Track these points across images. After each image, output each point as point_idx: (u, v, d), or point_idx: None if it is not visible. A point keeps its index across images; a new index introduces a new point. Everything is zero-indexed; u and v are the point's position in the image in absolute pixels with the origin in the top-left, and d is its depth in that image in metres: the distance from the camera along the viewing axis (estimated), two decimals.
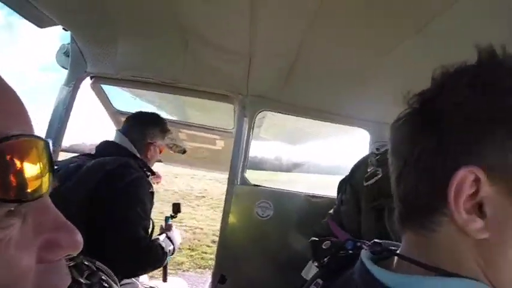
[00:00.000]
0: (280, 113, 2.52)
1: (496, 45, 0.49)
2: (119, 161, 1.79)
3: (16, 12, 1.89)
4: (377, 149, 1.74)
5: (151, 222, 1.89)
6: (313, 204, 2.29)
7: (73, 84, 2.43)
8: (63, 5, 1.86)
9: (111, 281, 0.69)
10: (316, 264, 1.56)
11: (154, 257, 1.81)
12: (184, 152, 2.80)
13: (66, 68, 2.47)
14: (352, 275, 0.58)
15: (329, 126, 2.83)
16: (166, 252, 1.89)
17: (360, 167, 1.78)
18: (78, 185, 1.67)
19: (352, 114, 2.44)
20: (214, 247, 5.90)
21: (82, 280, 0.61)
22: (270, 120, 2.98)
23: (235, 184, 2.34)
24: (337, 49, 1.68)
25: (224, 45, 1.89)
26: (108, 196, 1.68)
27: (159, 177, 2.83)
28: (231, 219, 2.33)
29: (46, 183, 0.34)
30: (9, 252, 0.31)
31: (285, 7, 1.37)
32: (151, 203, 1.88)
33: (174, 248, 2.01)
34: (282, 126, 3.53)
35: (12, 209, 0.32)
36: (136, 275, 1.97)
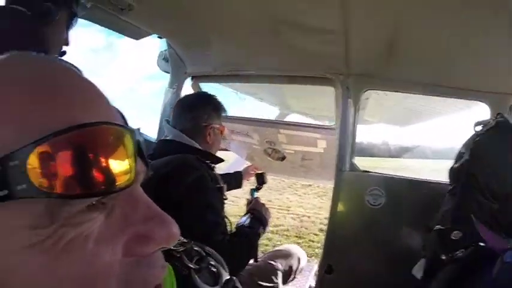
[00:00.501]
0: (387, 90, 2.32)
1: None
2: (174, 163, 1.62)
3: (115, 31, 2.23)
4: (483, 125, 1.54)
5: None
6: (430, 191, 2.03)
7: (176, 85, 2.65)
8: (155, 16, 2.04)
9: (219, 267, 0.67)
10: (443, 257, 1.38)
11: (241, 255, 1.66)
12: (283, 159, 2.78)
13: (168, 72, 2.68)
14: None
15: (440, 103, 2.61)
16: (256, 238, 1.77)
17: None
18: None
19: (468, 85, 2.13)
20: (321, 236, 5.88)
21: (191, 265, 0.60)
22: (375, 101, 2.79)
23: (344, 171, 2.21)
24: (438, 12, 1.51)
25: (317, 27, 1.81)
26: (168, 206, 1.50)
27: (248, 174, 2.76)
28: (340, 207, 2.22)
29: (130, 173, 0.32)
30: (88, 247, 0.31)
31: None
32: (222, 200, 1.71)
33: (264, 226, 1.85)
34: (388, 107, 3.29)
35: (94, 202, 0.31)
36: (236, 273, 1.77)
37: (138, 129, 0.37)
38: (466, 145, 1.52)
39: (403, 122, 4.08)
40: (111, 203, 0.33)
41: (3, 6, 1.33)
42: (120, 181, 0.31)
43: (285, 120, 3.39)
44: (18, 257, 0.29)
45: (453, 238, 1.34)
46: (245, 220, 1.82)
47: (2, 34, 1.15)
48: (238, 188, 2.66)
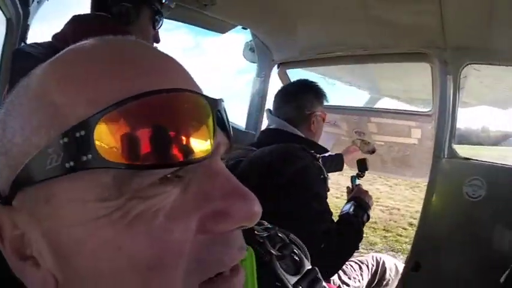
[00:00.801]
0: (489, 64, 2.05)
1: None
2: (279, 150, 1.57)
3: (200, 27, 2.42)
4: None
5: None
6: None
7: (264, 74, 2.71)
8: (238, 7, 2.13)
9: (302, 255, 0.64)
10: None
11: (348, 243, 1.59)
12: (373, 151, 2.73)
13: (255, 62, 2.76)
14: None
15: None
16: (361, 225, 1.69)
17: None
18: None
19: None
20: (410, 230, 5.63)
21: (273, 252, 0.58)
22: (475, 79, 2.53)
23: (442, 158, 2.00)
24: None
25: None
26: (272, 195, 1.40)
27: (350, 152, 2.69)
28: (435, 199, 2.02)
29: (208, 144, 0.31)
30: (157, 222, 0.30)
31: None
32: (325, 190, 1.64)
33: (368, 214, 1.78)
34: (488, 86, 2.94)
35: (169, 176, 0.30)
36: (338, 268, 1.75)
37: (221, 99, 0.35)
38: None
39: (505, 104, 3.68)
40: (188, 176, 0.32)
41: (89, 14, 1.46)
42: (198, 152, 0.30)
43: (375, 107, 3.24)
44: (85, 229, 0.29)
45: None
46: (349, 208, 1.76)
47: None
48: (339, 170, 2.60)
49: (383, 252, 4.65)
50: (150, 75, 0.32)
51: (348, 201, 1.84)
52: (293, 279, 0.57)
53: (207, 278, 0.33)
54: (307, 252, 0.67)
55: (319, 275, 0.62)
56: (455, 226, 2.00)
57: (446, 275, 1.95)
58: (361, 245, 4.23)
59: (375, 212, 6.54)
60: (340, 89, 3.61)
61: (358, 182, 2.29)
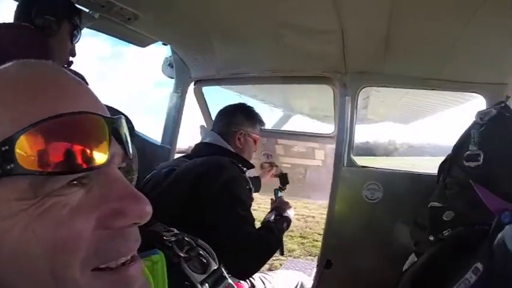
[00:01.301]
0: (384, 86, 2.37)
1: None
2: (209, 162, 1.70)
3: (121, 39, 2.41)
4: (481, 118, 1.50)
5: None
6: (428, 185, 1.98)
7: (180, 90, 2.73)
8: (159, 24, 2.14)
9: (209, 257, 0.72)
10: (432, 238, 1.41)
11: (268, 246, 1.70)
12: (281, 175, 2.78)
13: (173, 78, 2.76)
14: None
15: (437, 97, 2.69)
16: (281, 232, 1.84)
17: (463, 143, 1.55)
18: (171, 189, 1.65)
19: (463, 77, 2.17)
20: None
21: (181, 254, 0.66)
22: (377, 99, 2.85)
23: (342, 166, 2.24)
24: (430, 4, 1.55)
25: (314, 28, 1.88)
26: (203, 202, 1.58)
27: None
28: (338, 203, 2.24)
29: (104, 154, 0.39)
30: (64, 212, 0.37)
31: None
32: (250, 199, 1.77)
33: (288, 222, 1.95)
34: (388, 105, 3.33)
35: (75, 182, 0.38)
36: (257, 269, 1.76)
37: (120, 117, 0.44)
38: (474, 142, 1.49)
39: (403, 120, 4.10)
40: (91, 182, 0.39)
41: (13, 23, 1.52)
42: (96, 161, 0.38)
43: (283, 129, 3.39)
44: (8, 221, 0.36)
45: (444, 218, 1.38)
46: (270, 217, 1.95)
47: (12, 47, 1.30)
48: (257, 191, 2.67)
49: (301, 258, 4.92)
50: (64, 99, 0.39)
51: (271, 211, 2.06)
52: (200, 278, 0.67)
53: (109, 267, 0.41)
54: (215, 255, 0.75)
55: (225, 274, 0.71)
56: (358, 225, 2.23)
57: (356, 268, 2.16)
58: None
59: None
60: (255, 106, 3.68)
61: (280, 194, 2.48)
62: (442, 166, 1.68)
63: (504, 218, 0.57)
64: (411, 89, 2.40)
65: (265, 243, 1.67)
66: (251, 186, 1.80)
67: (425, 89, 2.32)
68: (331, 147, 2.55)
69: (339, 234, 2.26)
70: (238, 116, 2.01)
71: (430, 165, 2.01)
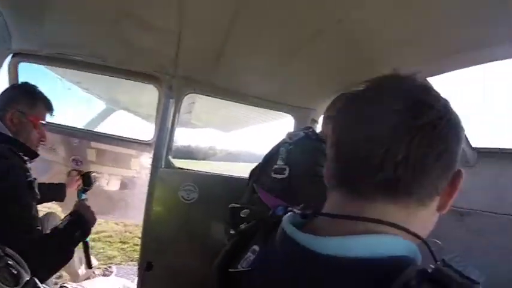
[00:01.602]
0: (208, 96, 2.48)
1: None
2: None
3: None
4: (289, 138, 1.77)
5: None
6: (238, 186, 2.18)
7: None
8: None
9: (19, 267, 0.67)
10: (232, 231, 1.59)
11: (54, 253, 1.51)
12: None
13: None
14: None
15: (258, 112, 2.88)
16: (71, 238, 1.63)
17: (272, 157, 1.77)
18: None
19: (278, 99, 2.48)
20: None
21: None
22: (200, 105, 2.94)
23: (159, 168, 2.26)
24: (265, 31, 1.68)
25: (153, 23, 1.79)
26: None
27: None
28: (156, 204, 2.24)
29: None
30: None
31: None
32: (33, 196, 1.54)
33: (83, 230, 1.71)
34: (211, 113, 3.49)
35: None
36: (46, 276, 1.56)
37: None
38: (282, 158, 1.70)
39: (224, 128, 4.36)
40: None
41: None
42: None
43: (98, 130, 3.03)
44: None
45: (242, 216, 1.57)
46: (64, 222, 1.67)
47: None
48: (60, 200, 2.42)
49: (123, 264, 4.70)
50: None
51: (68, 215, 1.75)
52: None
53: None
54: (25, 264, 0.70)
55: (39, 284, 0.66)
56: (177, 225, 2.28)
57: (177, 268, 2.19)
58: (100, 260, 4.12)
59: (109, 226, 6.46)
60: (78, 94, 3.34)
61: (84, 196, 2.29)
62: (253, 172, 1.88)
63: (278, 211, 0.74)
64: (233, 102, 2.55)
65: (47, 253, 1.45)
66: (32, 178, 1.55)
67: (246, 104, 2.53)
68: (149, 156, 2.51)
69: (157, 235, 2.26)
70: (16, 94, 1.73)
71: (244, 171, 2.22)
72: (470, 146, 2.39)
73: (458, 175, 0.57)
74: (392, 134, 0.52)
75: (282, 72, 2.07)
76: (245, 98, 2.47)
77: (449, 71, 1.80)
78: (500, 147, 2.37)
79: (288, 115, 2.63)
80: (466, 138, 2.35)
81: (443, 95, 0.57)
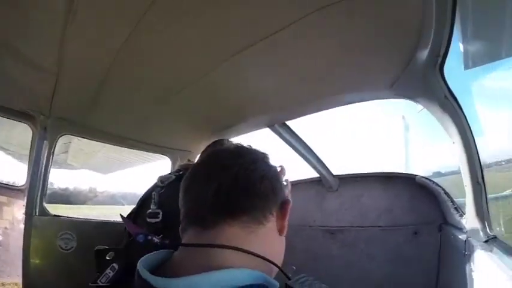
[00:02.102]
0: (84, 138, 2.43)
1: None
2: None
3: None
4: (161, 181, 1.81)
5: None
6: (118, 232, 2.08)
7: None
8: None
9: None
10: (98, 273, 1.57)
11: None
12: None
13: None
14: None
15: (133, 154, 2.92)
16: None
17: (146, 201, 1.80)
18: None
19: (155, 141, 2.55)
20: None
21: None
22: (76, 146, 2.83)
23: (34, 215, 2.11)
24: (140, 78, 1.75)
25: (33, 60, 1.72)
26: None
27: None
28: (33, 257, 2.07)
29: None
30: None
31: (95, 26, 1.35)
32: None
33: None
34: (89, 154, 3.37)
35: None
36: None
37: None
38: (154, 202, 1.73)
39: (103, 169, 4.19)
40: None
41: None
42: None
43: None
44: None
45: (107, 258, 1.57)
46: None
47: None
48: None
49: None
50: None
51: None
52: None
53: None
54: None
55: None
56: (56, 276, 2.11)
57: None
58: None
59: None
60: None
61: None
62: (128, 217, 1.88)
63: (139, 238, 0.81)
64: (110, 144, 2.54)
65: None
66: None
67: (121, 146, 2.54)
68: (22, 204, 2.35)
69: (38, 285, 2.08)
70: None
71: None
72: (332, 174, 2.78)
73: (286, 202, 0.70)
74: (223, 169, 0.65)
75: (158, 116, 2.14)
76: (122, 140, 2.48)
77: (301, 116, 2.19)
78: (359, 172, 2.82)
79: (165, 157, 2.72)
80: (327, 168, 2.73)
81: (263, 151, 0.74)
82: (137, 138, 2.44)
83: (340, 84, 1.81)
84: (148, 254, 0.66)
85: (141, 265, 0.60)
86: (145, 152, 2.77)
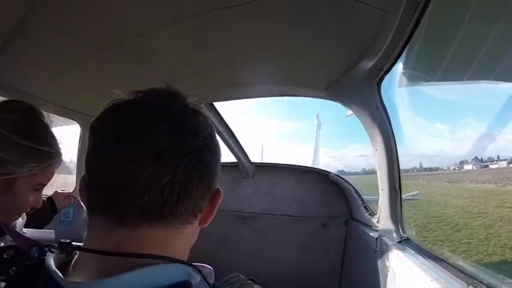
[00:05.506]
0: None
1: None
2: None
3: None
4: None
5: None
6: None
7: None
8: None
9: None
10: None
11: None
12: None
13: None
14: None
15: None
16: None
17: None
18: None
19: (65, 104, 2.35)
20: None
21: None
22: None
23: None
24: (55, 33, 1.54)
25: None
26: None
27: None
28: None
29: None
30: None
31: None
32: None
33: None
34: None
35: None
36: None
37: None
38: None
39: None
40: None
41: None
42: None
43: None
44: None
45: (5, 256, 1.39)
46: None
47: None
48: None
49: None
50: None
51: None
52: None
53: None
54: None
55: None
56: None
57: None
58: None
59: None
60: None
61: None
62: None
63: (33, 253, 0.69)
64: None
65: None
66: None
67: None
68: None
69: None
70: None
71: None
72: (250, 160, 2.81)
73: (217, 194, 0.62)
74: (159, 157, 0.51)
75: (68, 78, 1.94)
76: (28, 97, 2.18)
77: (233, 99, 2.23)
78: (274, 162, 2.89)
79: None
80: (246, 155, 2.75)
81: (211, 121, 0.62)
82: (45, 97, 2.17)
83: (276, 74, 1.79)
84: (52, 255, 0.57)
85: (51, 265, 0.53)
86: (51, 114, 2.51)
